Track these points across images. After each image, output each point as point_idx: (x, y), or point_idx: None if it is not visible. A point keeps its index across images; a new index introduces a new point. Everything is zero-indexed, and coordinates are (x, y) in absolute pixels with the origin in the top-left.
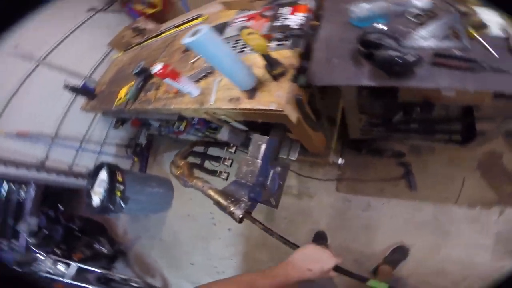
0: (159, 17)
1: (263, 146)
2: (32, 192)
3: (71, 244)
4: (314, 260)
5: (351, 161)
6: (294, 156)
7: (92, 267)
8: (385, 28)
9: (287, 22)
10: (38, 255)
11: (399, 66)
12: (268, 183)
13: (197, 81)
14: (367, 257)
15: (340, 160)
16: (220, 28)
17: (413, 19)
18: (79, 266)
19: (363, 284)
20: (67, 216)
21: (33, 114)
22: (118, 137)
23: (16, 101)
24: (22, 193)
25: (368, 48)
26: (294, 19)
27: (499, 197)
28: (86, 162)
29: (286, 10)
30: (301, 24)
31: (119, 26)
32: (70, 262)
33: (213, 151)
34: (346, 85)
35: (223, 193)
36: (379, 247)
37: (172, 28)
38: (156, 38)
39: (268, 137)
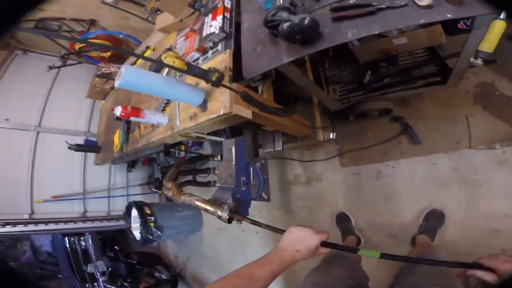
0: (120, 57)
1: (233, 149)
2: (89, 240)
3: (135, 277)
4: (299, 240)
5: (345, 132)
6: (279, 146)
7: None
8: (284, 1)
9: (211, 30)
10: None
11: (299, 34)
12: (252, 180)
13: (163, 109)
14: (399, 229)
15: (332, 135)
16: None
17: None
18: None
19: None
20: (124, 254)
21: (57, 178)
22: (138, 178)
23: (38, 170)
24: (83, 243)
25: (272, 28)
26: (215, 24)
27: None
28: (120, 206)
29: (208, 18)
30: (221, 27)
31: (88, 75)
32: None
33: (202, 164)
34: (278, 67)
35: (210, 201)
36: (408, 215)
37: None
38: None
39: (234, 139)
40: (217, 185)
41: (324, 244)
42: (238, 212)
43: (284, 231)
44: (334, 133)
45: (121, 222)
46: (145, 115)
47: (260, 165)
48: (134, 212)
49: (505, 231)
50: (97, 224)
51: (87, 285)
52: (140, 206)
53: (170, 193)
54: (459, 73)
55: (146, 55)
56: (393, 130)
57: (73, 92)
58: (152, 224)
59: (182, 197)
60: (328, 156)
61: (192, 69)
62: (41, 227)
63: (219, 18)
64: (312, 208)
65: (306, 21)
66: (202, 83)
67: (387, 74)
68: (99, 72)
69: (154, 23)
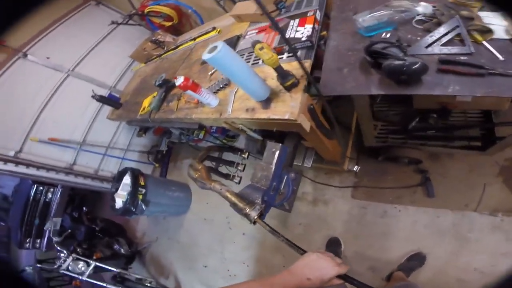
0: (177, 29)
1: (277, 153)
2: (58, 194)
3: (92, 244)
4: (315, 268)
5: (368, 168)
6: (308, 163)
7: (110, 266)
8: (390, 36)
9: (296, 35)
10: (60, 253)
11: (405, 75)
12: (282, 187)
13: (216, 92)
14: (383, 264)
15: (356, 168)
16: (234, 41)
17: (418, 26)
18: (97, 265)
19: None
20: (89, 218)
21: (63, 122)
22: (141, 144)
23: (48, 110)
24: (50, 195)
25: (375, 58)
26: (303, 30)
27: None
28: (110, 167)
29: (295, 22)
30: (309, 36)
31: (139, 39)
32: (89, 261)
33: (227, 155)
34: (357, 94)
35: (239, 195)
36: (395, 254)
37: (189, 41)
38: (175, 50)
39: (281, 144)
40: (235, 180)
41: (343, 277)
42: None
43: (305, 251)
44: (359, 167)
45: (105, 185)
46: (202, 92)
47: (294, 176)
48: (127, 179)
49: (471, 282)
50: (79, 180)
51: (27, 240)
52: (135, 174)
53: (197, 175)
54: (505, 144)
55: (209, 35)
56: (414, 179)
57: (119, 49)
58: (140, 197)
59: (213, 184)
60: (343, 185)
61: (279, 68)
62: (20, 169)
63: (309, 26)
64: (309, 226)
65: (417, 66)
66: (271, 81)
67: (433, 127)
68: (154, 38)
69: (224, 8)
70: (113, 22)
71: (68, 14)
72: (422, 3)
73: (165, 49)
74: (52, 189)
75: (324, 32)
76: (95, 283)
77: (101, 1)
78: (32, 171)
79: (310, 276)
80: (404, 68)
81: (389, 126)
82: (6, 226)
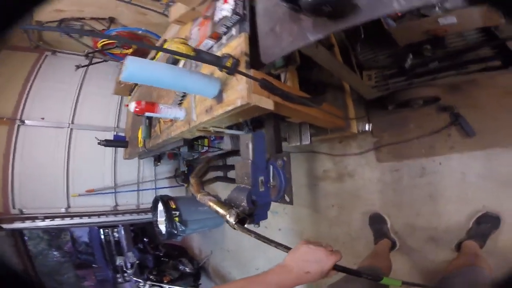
0: (142, 51)
1: (250, 145)
2: (122, 231)
3: (160, 270)
4: (311, 261)
5: (383, 123)
6: (306, 139)
7: (180, 286)
8: None
9: (223, 13)
10: (138, 283)
11: (328, 4)
12: (271, 180)
13: (180, 103)
14: (443, 232)
15: (368, 126)
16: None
17: None
18: (170, 287)
19: None
20: (153, 246)
21: (90, 173)
22: (165, 171)
23: (72, 163)
24: (116, 234)
25: (291, 2)
26: (227, 7)
27: None
28: (149, 199)
29: (219, 2)
30: (233, 9)
31: (113, 73)
32: (163, 285)
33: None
34: (302, 48)
35: (222, 202)
36: (456, 218)
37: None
38: None
39: (252, 133)
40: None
41: (339, 269)
42: (250, 216)
43: (289, 248)
44: (370, 124)
45: (150, 215)
46: (160, 110)
47: (281, 162)
48: (160, 206)
49: None
50: (127, 217)
51: (117, 275)
52: (165, 200)
53: (192, 190)
54: None
55: (166, 47)
56: (442, 120)
57: (102, 89)
58: (176, 219)
59: (199, 196)
60: (363, 150)
61: (201, 55)
62: (76, 220)
63: (231, 0)
64: (343, 206)
65: None
66: (218, 73)
67: (434, 58)
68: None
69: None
70: (78, 67)
71: (33, 71)
72: None
73: None
74: (116, 229)
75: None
76: None
77: (55, 49)
78: (86, 219)
79: (308, 269)
80: None
81: (384, 71)
82: (99, 267)
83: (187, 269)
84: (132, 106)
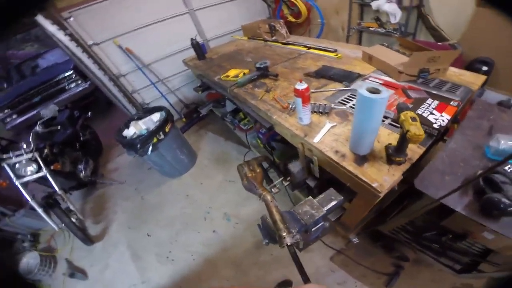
0: (290, 27)
1: (334, 202)
2: (81, 87)
3: (61, 151)
4: None
5: (361, 244)
6: (333, 217)
7: (57, 183)
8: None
9: (429, 117)
10: (24, 144)
11: (499, 211)
12: (313, 230)
13: (312, 112)
14: None
15: (355, 240)
16: (354, 77)
17: None
18: (46, 176)
19: None
20: (84, 125)
21: (149, 43)
22: (185, 95)
23: (149, 29)
24: (73, 85)
25: (486, 185)
26: (438, 116)
27: None
28: (146, 96)
29: (433, 103)
30: (441, 126)
31: (255, 15)
32: (43, 167)
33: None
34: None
35: (282, 216)
36: None
37: (301, 46)
38: (283, 45)
39: (342, 197)
40: (273, 190)
41: None
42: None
43: (310, 281)
44: (357, 240)
45: (129, 106)
46: (307, 107)
47: (327, 226)
48: (156, 117)
49: None
50: (114, 90)
51: (5, 111)
52: (168, 119)
53: (251, 175)
54: (477, 277)
55: (326, 54)
56: (387, 269)
57: (236, 14)
58: (155, 140)
59: (264, 192)
60: (331, 246)
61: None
62: (82, 55)
63: (446, 116)
64: (278, 260)
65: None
66: (375, 141)
67: (441, 244)
68: (272, 24)
69: (347, 38)
70: None
71: None
72: None
73: (273, 38)
74: (80, 82)
75: (454, 125)
76: (22, 193)
77: None
78: (89, 62)
79: None
80: (502, 206)
81: (408, 225)
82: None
83: (83, 173)
84: (302, 86)
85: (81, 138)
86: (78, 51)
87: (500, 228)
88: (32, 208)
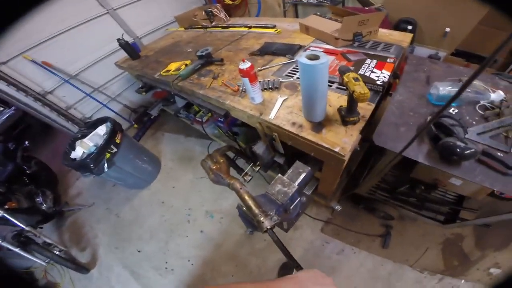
0: (229, 10)
1: (303, 175)
2: (6, 115)
3: (11, 189)
4: (320, 283)
5: (345, 210)
6: (309, 191)
7: (18, 221)
8: (456, 113)
9: (371, 75)
10: None
11: (457, 156)
12: (291, 208)
13: (262, 90)
14: None
15: (337, 207)
16: (295, 50)
17: (479, 111)
18: (4, 216)
19: None
20: (26, 155)
21: (69, 52)
22: (129, 99)
23: (66, 36)
24: None
25: (438, 130)
26: (379, 74)
27: (445, 268)
28: (85, 110)
29: (372, 63)
30: (384, 82)
31: (191, 4)
32: None
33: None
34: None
35: (255, 200)
36: None
37: (242, 26)
38: (223, 29)
39: (309, 168)
40: (245, 178)
41: None
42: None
43: (302, 268)
44: (340, 207)
45: (69, 125)
46: (256, 85)
47: (305, 200)
48: (102, 130)
49: None
50: (44, 110)
51: None
52: (115, 129)
53: (215, 167)
54: (462, 225)
55: (266, 30)
56: (377, 230)
57: (166, 6)
58: (107, 155)
59: (232, 181)
60: (318, 217)
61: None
62: None
63: (386, 72)
64: (271, 245)
65: (471, 152)
66: (327, 106)
67: (417, 196)
68: (209, 9)
69: (284, 12)
70: None
71: None
72: (498, 91)
73: (213, 23)
74: (1, 109)
75: (396, 81)
76: None
77: None
78: (1, 85)
79: None
80: (459, 150)
81: (382, 183)
82: None
83: (44, 206)
84: (246, 65)
85: (28, 171)
86: None
87: (462, 174)
88: (10, 249)
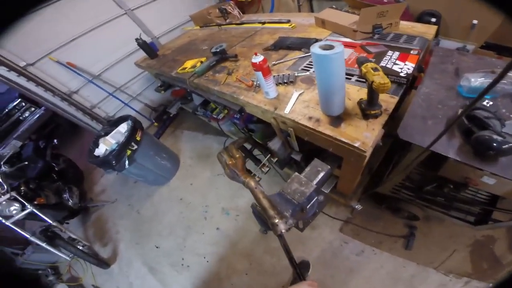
0: (242, 7)
1: (322, 173)
2: (37, 115)
3: (40, 185)
4: None
5: (366, 210)
6: (327, 189)
7: (47, 216)
8: (491, 106)
9: (394, 67)
10: None
11: (494, 151)
12: (308, 207)
13: (277, 84)
14: None
15: (358, 206)
16: (311, 43)
17: None
18: (33, 211)
19: None
20: (54, 153)
21: (91, 52)
22: (150, 98)
23: (87, 37)
24: (27, 114)
25: (471, 123)
26: (403, 66)
27: (473, 271)
28: (109, 109)
29: (394, 54)
30: (408, 74)
31: (204, 2)
32: (27, 204)
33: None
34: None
35: (270, 201)
36: None
37: (256, 23)
38: (238, 26)
39: (329, 166)
40: (263, 169)
41: None
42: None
43: (304, 279)
44: (360, 207)
45: (94, 124)
46: (269, 80)
47: (322, 199)
48: (124, 128)
49: None
50: (71, 109)
51: None
52: (136, 127)
53: (230, 162)
54: (494, 227)
55: (281, 25)
56: (400, 231)
57: (182, 6)
58: (129, 152)
59: (247, 178)
60: (337, 217)
61: (378, 94)
62: (20, 80)
63: (410, 64)
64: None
65: (511, 147)
66: (346, 99)
67: (445, 195)
68: (223, 7)
69: (299, 7)
70: None
71: None
72: None
73: (227, 21)
74: (33, 109)
75: (420, 74)
76: (18, 232)
77: None
78: (30, 85)
79: None
80: (496, 145)
81: (406, 182)
82: None
83: (70, 202)
84: (258, 58)
85: (56, 169)
86: (12, 76)
87: (499, 171)
88: (38, 244)
